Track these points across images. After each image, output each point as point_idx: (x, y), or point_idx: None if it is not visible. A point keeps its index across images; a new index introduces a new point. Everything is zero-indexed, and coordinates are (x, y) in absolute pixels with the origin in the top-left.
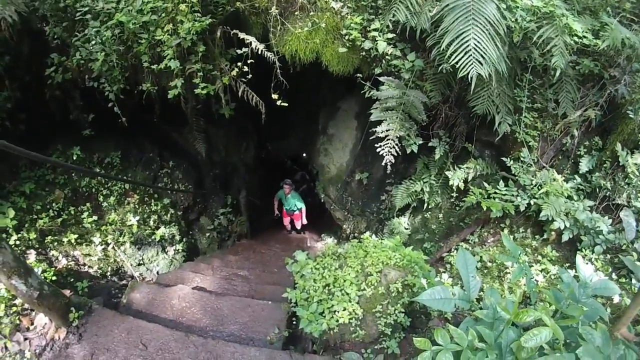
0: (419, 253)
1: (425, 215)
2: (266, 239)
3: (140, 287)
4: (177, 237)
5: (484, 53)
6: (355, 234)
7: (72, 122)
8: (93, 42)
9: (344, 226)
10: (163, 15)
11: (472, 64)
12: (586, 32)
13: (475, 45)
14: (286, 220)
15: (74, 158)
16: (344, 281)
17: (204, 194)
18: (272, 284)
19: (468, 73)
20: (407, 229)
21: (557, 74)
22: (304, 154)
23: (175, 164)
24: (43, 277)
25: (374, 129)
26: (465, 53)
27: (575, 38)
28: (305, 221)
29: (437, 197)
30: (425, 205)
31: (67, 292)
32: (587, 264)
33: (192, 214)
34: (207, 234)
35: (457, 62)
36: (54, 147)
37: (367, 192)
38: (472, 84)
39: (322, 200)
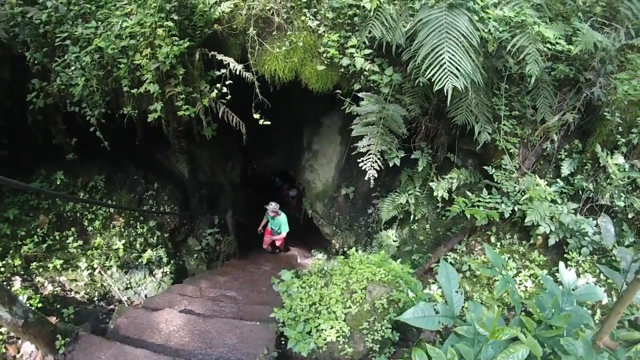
0: (404, 266)
1: (413, 227)
2: (255, 257)
3: (127, 311)
4: (165, 260)
5: (459, 65)
6: (345, 249)
7: (56, 147)
8: (73, 68)
9: (333, 241)
10: (141, 39)
11: (447, 77)
12: (559, 39)
13: (450, 58)
14: (267, 239)
15: (58, 183)
16: (330, 299)
17: (191, 215)
18: (260, 304)
19: (444, 86)
20: (395, 241)
21: (533, 80)
22: (291, 171)
23: (160, 185)
24: (29, 305)
25: (355, 145)
26: (440, 66)
27: (549, 45)
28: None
29: (423, 208)
30: (412, 216)
31: (53, 319)
32: (573, 266)
33: (179, 236)
34: (195, 255)
35: (432, 76)
36: (38, 172)
37: (354, 206)
38: (448, 96)
39: (310, 216)
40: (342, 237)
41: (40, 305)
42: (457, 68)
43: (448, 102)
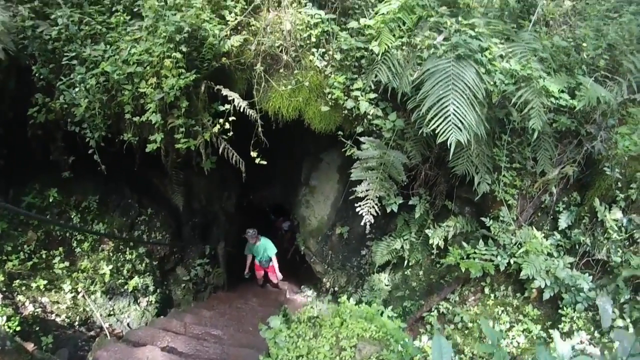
0: (396, 322)
1: (406, 273)
2: (243, 291)
3: (108, 345)
4: (151, 288)
5: (463, 118)
6: (335, 289)
7: (52, 162)
8: (77, 89)
9: (324, 280)
10: (148, 68)
11: (451, 129)
12: (562, 92)
13: (455, 110)
14: (259, 274)
15: (51, 200)
16: (318, 354)
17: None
18: (246, 346)
19: (447, 139)
20: (387, 285)
21: (535, 135)
22: (287, 204)
23: (154, 211)
24: (6, 328)
25: (353, 189)
26: (445, 118)
27: (552, 99)
28: (280, 275)
29: (417, 255)
30: (406, 262)
31: (31, 346)
32: (568, 322)
33: (168, 264)
34: (183, 285)
35: (437, 127)
36: (32, 185)
37: (347, 246)
38: (451, 149)
39: (303, 253)
40: (333, 276)
41: (19, 328)
42: (461, 121)
43: (451, 155)
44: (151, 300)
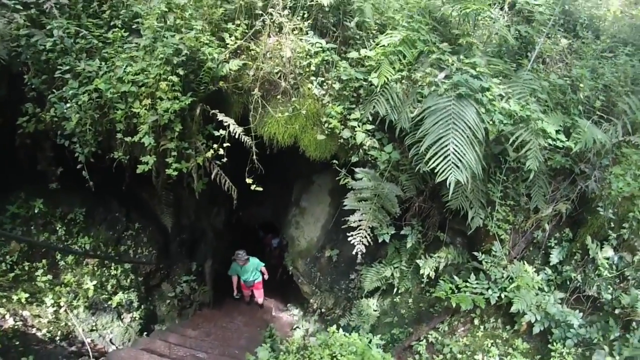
0: (387, 356)
1: (395, 300)
2: (229, 309)
3: None
4: (135, 304)
5: (463, 157)
6: (322, 310)
7: (39, 173)
8: (68, 105)
9: (311, 300)
10: (143, 88)
11: (450, 169)
12: (559, 133)
13: (455, 149)
14: (247, 293)
15: (36, 211)
16: None
17: (168, 259)
18: None
19: (447, 178)
20: (375, 310)
21: (532, 176)
22: (277, 223)
23: (141, 226)
24: None
25: (345, 218)
26: (445, 157)
27: (550, 140)
28: (261, 297)
29: (407, 282)
30: (395, 289)
31: None
32: (557, 358)
33: (154, 280)
34: (168, 302)
35: (435, 166)
36: (17, 194)
37: (336, 269)
38: (450, 188)
39: (290, 273)
40: (321, 297)
41: None
42: (460, 160)
43: (450, 194)
44: (135, 317)
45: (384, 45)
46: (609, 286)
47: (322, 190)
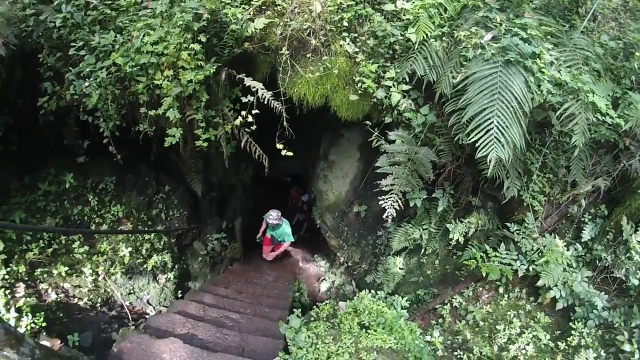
0: (413, 334)
1: (422, 260)
2: (258, 263)
3: (131, 336)
4: (169, 265)
5: (505, 132)
6: (349, 263)
7: (67, 146)
8: (87, 84)
9: (338, 254)
10: (163, 58)
11: (492, 144)
12: (609, 108)
13: (498, 123)
14: (266, 249)
15: (67, 186)
16: None
17: (199, 218)
18: (263, 334)
19: (487, 154)
20: (401, 269)
21: (576, 152)
22: (305, 176)
23: (171, 188)
24: (33, 323)
25: (376, 172)
26: (487, 132)
27: (599, 115)
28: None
29: (435, 244)
30: (423, 250)
31: (57, 344)
32: (577, 337)
33: (186, 240)
34: (200, 259)
35: (476, 141)
36: (47, 170)
37: (364, 224)
38: (490, 165)
39: (318, 226)
40: (348, 251)
41: (44, 324)
42: (504, 135)
43: (489, 171)
44: (169, 277)
45: None
46: (638, 271)
47: (351, 144)
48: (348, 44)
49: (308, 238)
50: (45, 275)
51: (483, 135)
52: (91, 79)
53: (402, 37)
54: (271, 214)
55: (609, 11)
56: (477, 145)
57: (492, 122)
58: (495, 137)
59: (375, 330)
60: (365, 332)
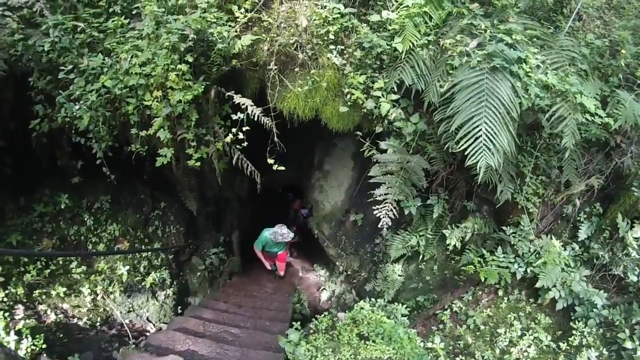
0: (412, 343)
1: (420, 266)
2: (257, 275)
3: (132, 355)
4: (168, 282)
5: (494, 139)
6: (348, 272)
7: (61, 168)
8: (77, 107)
9: (337, 263)
10: (152, 79)
11: (482, 152)
12: (598, 108)
13: (487, 130)
14: (268, 264)
15: (62, 206)
16: None
17: (196, 233)
18: (264, 348)
19: (477, 162)
20: (400, 276)
21: (567, 154)
22: (300, 187)
23: (167, 204)
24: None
25: (370, 181)
26: (476, 139)
27: (588, 115)
28: (282, 270)
29: (432, 250)
30: (421, 256)
31: None
32: (578, 337)
33: (184, 255)
34: (199, 274)
35: (466, 148)
36: (42, 191)
37: (361, 232)
38: (480, 173)
39: (316, 236)
40: (346, 260)
41: (45, 346)
42: (492, 142)
43: (480, 178)
44: (168, 293)
45: (407, 6)
46: (636, 267)
47: (345, 153)
48: (335, 56)
49: (308, 248)
50: (43, 297)
51: (472, 143)
52: (81, 101)
53: (388, 47)
54: (282, 233)
55: (594, 10)
56: (466, 153)
57: (481, 129)
58: (484, 144)
59: (374, 341)
60: (364, 343)
